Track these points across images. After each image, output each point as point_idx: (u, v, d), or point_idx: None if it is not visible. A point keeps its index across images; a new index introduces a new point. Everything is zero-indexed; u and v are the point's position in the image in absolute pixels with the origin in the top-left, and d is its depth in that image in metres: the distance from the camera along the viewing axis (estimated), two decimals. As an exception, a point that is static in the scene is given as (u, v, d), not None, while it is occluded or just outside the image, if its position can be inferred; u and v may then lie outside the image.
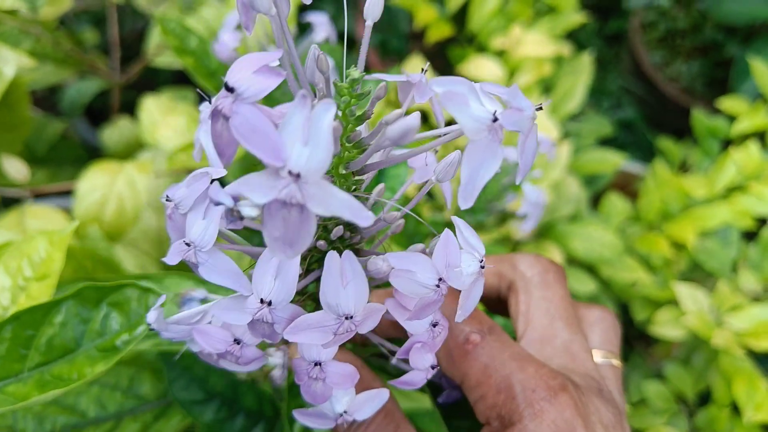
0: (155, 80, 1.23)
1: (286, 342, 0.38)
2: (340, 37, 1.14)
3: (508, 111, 0.25)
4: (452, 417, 0.41)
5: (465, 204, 0.26)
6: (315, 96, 0.28)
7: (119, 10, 1.42)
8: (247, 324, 0.27)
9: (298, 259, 0.26)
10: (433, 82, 0.26)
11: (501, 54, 1.06)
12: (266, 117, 0.21)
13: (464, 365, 0.36)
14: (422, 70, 0.31)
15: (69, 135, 0.93)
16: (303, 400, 0.40)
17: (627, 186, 1.35)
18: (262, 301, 0.25)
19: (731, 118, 1.25)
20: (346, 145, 0.28)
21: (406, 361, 0.31)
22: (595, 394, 0.37)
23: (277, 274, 0.25)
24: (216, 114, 0.22)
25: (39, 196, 0.76)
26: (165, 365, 0.44)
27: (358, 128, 0.28)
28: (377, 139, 0.27)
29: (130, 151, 0.89)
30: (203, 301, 0.37)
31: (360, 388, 0.34)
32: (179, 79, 1.30)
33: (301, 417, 0.32)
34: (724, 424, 1.03)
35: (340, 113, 0.27)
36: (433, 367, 0.31)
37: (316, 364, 0.28)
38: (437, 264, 0.27)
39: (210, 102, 0.25)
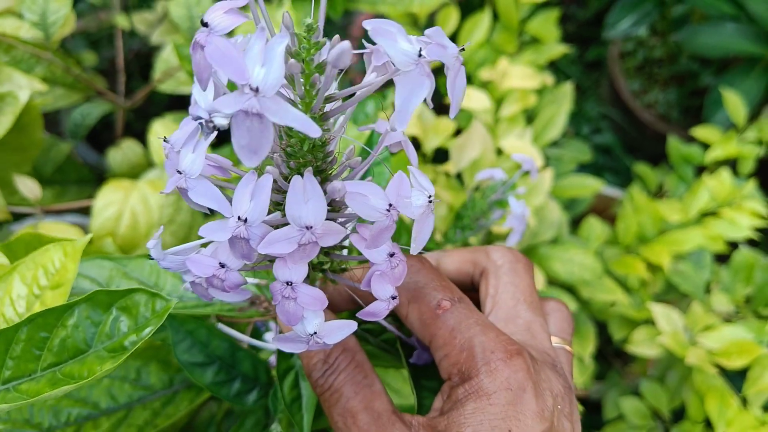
0: (151, 106, 1.27)
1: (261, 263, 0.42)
2: None
3: (431, 45, 0.29)
4: (420, 377, 0.45)
5: (399, 126, 0.30)
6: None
7: (116, 30, 1.46)
8: (228, 242, 0.31)
9: (270, 182, 0.30)
10: (365, 22, 0.29)
11: (487, 84, 1.11)
12: (232, 46, 0.26)
13: (434, 327, 0.40)
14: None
15: (72, 157, 0.97)
16: (293, 361, 0.44)
17: (605, 210, 1.40)
18: (239, 219, 0.29)
19: (705, 146, 1.31)
20: (308, 89, 0.32)
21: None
22: (549, 367, 0.41)
23: (252, 197, 0.29)
24: (195, 45, 0.28)
25: (48, 213, 0.79)
26: (170, 328, 0.46)
27: (315, 75, 0.31)
28: (325, 74, 0.31)
29: (135, 171, 0.93)
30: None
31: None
32: (173, 104, 1.34)
33: (279, 343, 0.35)
34: (698, 439, 1.08)
35: (302, 57, 0.30)
36: (393, 298, 0.34)
37: (288, 284, 0.31)
38: (389, 193, 0.31)
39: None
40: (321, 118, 0.33)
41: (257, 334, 0.54)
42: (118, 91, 0.96)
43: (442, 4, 1.23)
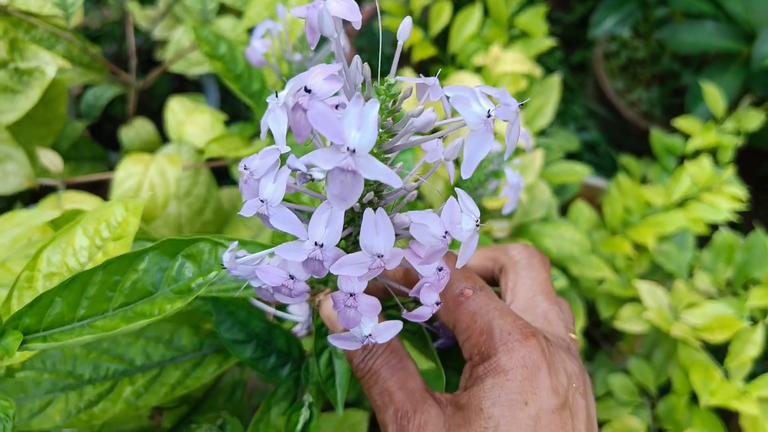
0: (157, 88, 1.32)
1: (325, 282, 0.47)
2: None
3: (499, 107, 0.34)
4: (445, 358, 0.49)
5: (466, 175, 0.35)
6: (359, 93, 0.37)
7: (119, 28, 1.50)
8: (302, 262, 0.35)
9: (343, 213, 0.34)
10: (446, 89, 0.34)
11: (480, 70, 1.16)
12: (331, 110, 0.30)
13: (457, 312, 0.44)
14: (436, 74, 0.41)
15: (86, 135, 1.01)
16: (326, 342, 0.48)
17: (592, 199, 1.45)
18: (316, 243, 0.34)
19: (686, 137, 1.38)
20: (380, 131, 0.36)
21: (417, 302, 0.40)
22: (564, 350, 0.45)
23: (327, 225, 0.34)
24: (296, 107, 0.31)
25: (69, 186, 0.83)
26: (214, 309, 0.49)
27: (389, 119, 0.36)
28: (405, 127, 0.36)
29: (147, 148, 0.97)
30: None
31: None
32: (179, 88, 1.39)
33: (334, 340, 0.40)
34: (683, 412, 1.13)
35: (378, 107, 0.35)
36: (437, 304, 0.39)
37: (351, 295, 0.36)
38: (444, 221, 0.35)
39: (276, 96, 0.35)
40: (385, 153, 0.38)
41: (282, 307, 0.58)
42: (130, 73, 1.01)
43: (436, -2, 1.29)
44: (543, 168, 1.20)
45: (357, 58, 0.36)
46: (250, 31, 0.68)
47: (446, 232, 0.35)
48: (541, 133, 1.33)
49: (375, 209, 0.34)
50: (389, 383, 0.43)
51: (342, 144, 0.29)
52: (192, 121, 0.76)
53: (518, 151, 1.01)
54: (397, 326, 0.39)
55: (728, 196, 1.23)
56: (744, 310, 1.11)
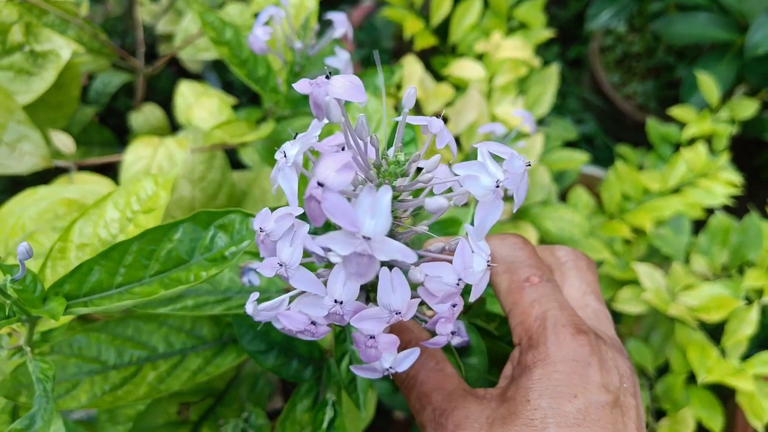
0: (162, 75, 1.34)
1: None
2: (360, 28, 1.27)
3: (509, 177, 0.35)
4: (462, 355, 0.50)
5: (477, 239, 0.37)
6: (370, 167, 0.38)
7: (121, 23, 1.52)
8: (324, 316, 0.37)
9: None
10: (456, 167, 0.36)
11: (481, 57, 1.19)
12: (345, 200, 0.32)
13: (517, 295, 0.45)
14: (439, 115, 0.41)
15: (95, 121, 1.03)
16: (347, 345, 0.49)
17: (591, 188, 1.48)
18: (335, 301, 0.35)
19: (681, 126, 1.40)
20: (394, 202, 0.38)
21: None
22: (616, 349, 0.44)
23: (344, 283, 0.35)
24: (310, 198, 0.32)
25: (81, 169, 0.85)
26: (235, 325, 0.50)
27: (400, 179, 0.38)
28: (418, 199, 0.37)
29: (156, 133, 0.99)
30: (258, 271, 0.47)
31: (411, 337, 0.45)
32: (183, 74, 1.41)
33: (357, 371, 0.42)
34: (680, 391, 1.15)
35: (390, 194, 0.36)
36: (453, 333, 0.41)
37: (371, 337, 0.38)
38: (456, 268, 0.36)
39: (284, 156, 0.36)
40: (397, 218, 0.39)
41: None
42: (138, 60, 1.03)
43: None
44: (542, 155, 1.22)
45: (362, 118, 0.37)
46: (257, 16, 0.70)
47: (459, 279, 0.36)
48: (540, 122, 1.36)
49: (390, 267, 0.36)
50: (427, 386, 0.44)
51: (356, 231, 0.31)
52: (200, 105, 0.78)
53: (522, 135, 1.03)
54: (414, 353, 0.41)
55: (723, 182, 1.26)
56: (739, 290, 1.13)
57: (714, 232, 1.24)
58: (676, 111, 1.40)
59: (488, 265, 0.38)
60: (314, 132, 0.36)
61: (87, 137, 0.98)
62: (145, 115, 1.00)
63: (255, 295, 0.40)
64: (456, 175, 0.35)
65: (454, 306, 0.39)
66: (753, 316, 1.09)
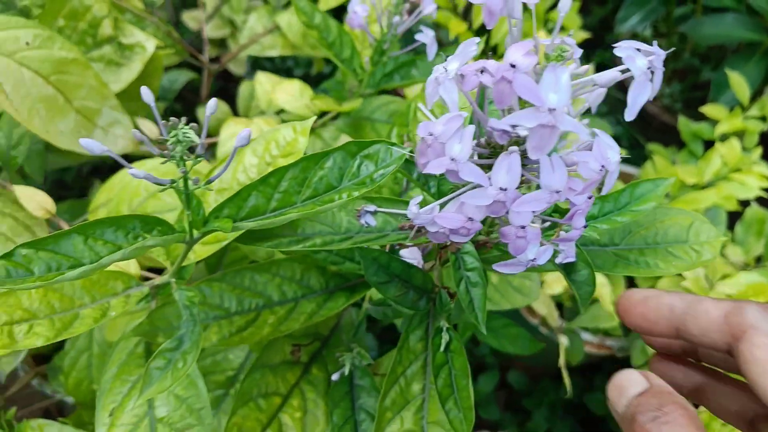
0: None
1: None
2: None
3: (654, 59, 0.40)
4: (569, 274, 0.52)
5: (629, 117, 0.40)
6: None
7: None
8: (486, 205, 0.41)
9: (519, 159, 0.40)
10: (617, 46, 0.40)
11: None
12: (531, 79, 0.37)
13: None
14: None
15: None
16: (462, 272, 0.53)
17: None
18: (500, 188, 0.40)
19: (712, 124, 1.45)
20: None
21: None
22: None
23: (507, 171, 0.40)
24: (501, 80, 0.37)
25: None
26: (361, 257, 0.53)
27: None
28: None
29: (221, 125, 1.05)
30: (374, 213, 0.52)
31: None
32: (223, 86, 1.47)
33: (500, 267, 0.46)
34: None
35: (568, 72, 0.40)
36: (584, 227, 0.45)
37: (522, 227, 0.42)
38: (597, 157, 0.41)
39: (445, 70, 0.40)
40: None
41: (393, 251, 0.64)
42: (203, 59, 1.09)
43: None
44: (582, 149, 1.27)
45: (569, 39, 0.43)
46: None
47: (602, 166, 0.41)
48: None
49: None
50: None
51: (541, 105, 0.36)
52: (282, 90, 0.83)
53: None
54: (550, 250, 0.46)
55: (757, 175, 1.30)
56: (776, 279, 1.17)
57: (749, 223, 1.28)
58: (708, 109, 1.45)
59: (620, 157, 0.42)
60: (470, 48, 0.41)
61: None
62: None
63: (417, 199, 0.44)
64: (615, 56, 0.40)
65: (589, 198, 0.43)
66: (791, 301, 1.13)
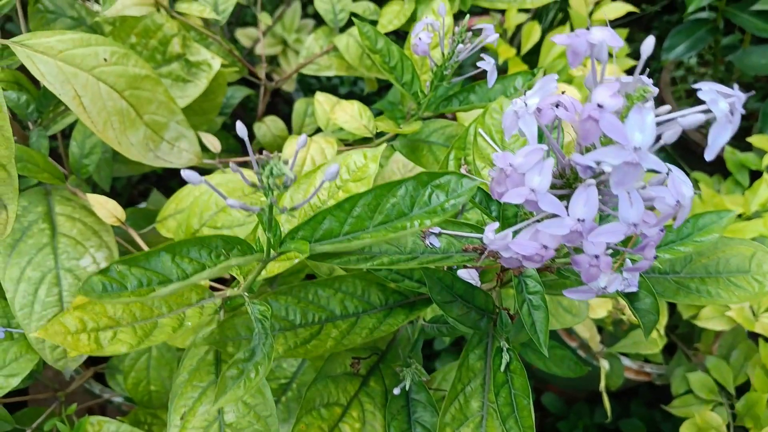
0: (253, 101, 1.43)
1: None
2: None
3: (735, 103, 0.41)
4: (632, 302, 0.55)
5: (709, 157, 0.42)
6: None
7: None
8: (563, 235, 0.43)
9: (596, 192, 0.42)
10: (700, 86, 0.41)
11: (571, 81, 1.26)
12: (617, 119, 0.38)
13: None
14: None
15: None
16: (524, 295, 0.55)
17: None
18: (578, 219, 0.41)
19: (760, 154, 1.45)
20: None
21: None
22: None
23: (585, 203, 0.42)
24: (588, 119, 0.39)
25: (226, 166, 0.93)
26: (426, 277, 0.56)
27: None
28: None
29: (278, 142, 1.08)
30: (438, 234, 0.54)
31: None
32: (271, 102, 1.50)
33: (571, 293, 0.48)
34: (763, 408, 1.18)
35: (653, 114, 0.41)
36: (654, 257, 0.47)
37: (595, 257, 0.43)
38: (673, 192, 0.42)
39: (525, 105, 0.43)
40: None
41: (451, 270, 0.66)
42: (261, 75, 1.12)
43: (526, 19, 1.39)
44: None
45: (640, 77, 0.43)
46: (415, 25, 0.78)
47: (677, 201, 0.42)
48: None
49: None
50: None
51: (626, 144, 0.38)
52: (341, 110, 0.86)
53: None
54: (619, 279, 0.48)
55: (804, 207, 1.30)
56: (823, 311, 1.16)
57: (796, 256, 1.28)
58: (755, 139, 1.44)
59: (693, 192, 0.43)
60: (550, 84, 0.43)
61: (216, 143, 1.07)
62: (267, 125, 1.09)
63: (493, 225, 0.47)
64: (697, 95, 0.41)
65: (661, 231, 0.45)
66: (838, 336, 1.12)
